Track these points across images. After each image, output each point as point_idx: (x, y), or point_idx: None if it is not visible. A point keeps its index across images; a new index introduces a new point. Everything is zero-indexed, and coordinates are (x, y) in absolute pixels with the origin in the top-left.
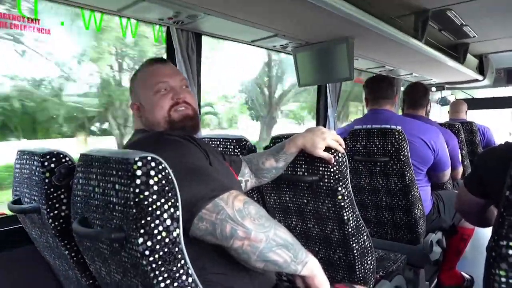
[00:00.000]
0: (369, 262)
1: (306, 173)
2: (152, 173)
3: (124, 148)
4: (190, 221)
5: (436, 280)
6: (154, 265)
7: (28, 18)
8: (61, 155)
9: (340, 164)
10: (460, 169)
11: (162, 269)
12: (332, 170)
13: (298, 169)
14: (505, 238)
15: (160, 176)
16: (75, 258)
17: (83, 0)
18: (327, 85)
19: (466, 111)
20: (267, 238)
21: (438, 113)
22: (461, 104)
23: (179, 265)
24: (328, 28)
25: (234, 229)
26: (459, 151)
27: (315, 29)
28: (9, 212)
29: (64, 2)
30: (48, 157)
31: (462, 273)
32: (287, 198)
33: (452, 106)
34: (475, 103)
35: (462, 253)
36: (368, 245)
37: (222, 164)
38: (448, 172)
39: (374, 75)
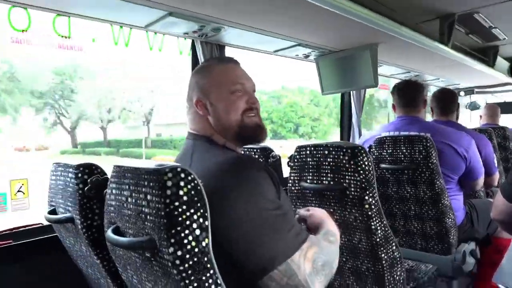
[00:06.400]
0: (398, 273)
1: (332, 182)
2: (182, 183)
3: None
4: (259, 275)
5: None
6: (184, 274)
7: (62, 36)
8: (93, 167)
9: (367, 172)
10: (497, 175)
11: (192, 278)
12: (358, 178)
13: (324, 178)
14: None
15: (189, 186)
16: (107, 267)
17: (112, 17)
18: (351, 93)
19: (500, 115)
20: (327, 281)
21: (468, 118)
22: (496, 108)
23: (208, 274)
24: (351, 36)
25: None
26: (494, 156)
27: (338, 38)
28: (45, 222)
29: (95, 18)
30: (81, 169)
31: (499, 285)
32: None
33: (487, 110)
34: (507, 108)
35: (498, 265)
36: (397, 256)
37: (285, 193)
38: (481, 180)
39: (401, 80)
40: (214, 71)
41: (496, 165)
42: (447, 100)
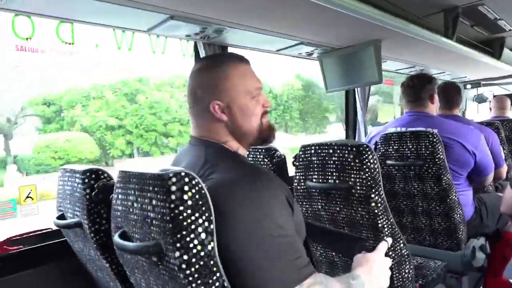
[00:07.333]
0: (407, 271)
1: (337, 181)
2: (186, 188)
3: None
4: None
5: (481, 287)
6: (191, 278)
7: (66, 42)
8: (100, 172)
9: (372, 170)
10: (505, 167)
11: (199, 282)
12: (364, 177)
13: (329, 177)
14: None
15: (193, 191)
16: (115, 270)
17: (115, 22)
18: (356, 90)
19: (510, 107)
20: None
21: (475, 111)
22: (505, 100)
23: (214, 277)
24: (354, 32)
25: None
26: (501, 148)
27: (340, 35)
28: (54, 227)
29: (98, 24)
30: (88, 174)
31: (510, 280)
32: (319, 206)
33: (496, 102)
34: None
35: (509, 259)
36: (405, 253)
37: (301, 215)
38: (490, 176)
39: (409, 75)
40: (231, 73)
41: (503, 157)
42: (451, 94)
